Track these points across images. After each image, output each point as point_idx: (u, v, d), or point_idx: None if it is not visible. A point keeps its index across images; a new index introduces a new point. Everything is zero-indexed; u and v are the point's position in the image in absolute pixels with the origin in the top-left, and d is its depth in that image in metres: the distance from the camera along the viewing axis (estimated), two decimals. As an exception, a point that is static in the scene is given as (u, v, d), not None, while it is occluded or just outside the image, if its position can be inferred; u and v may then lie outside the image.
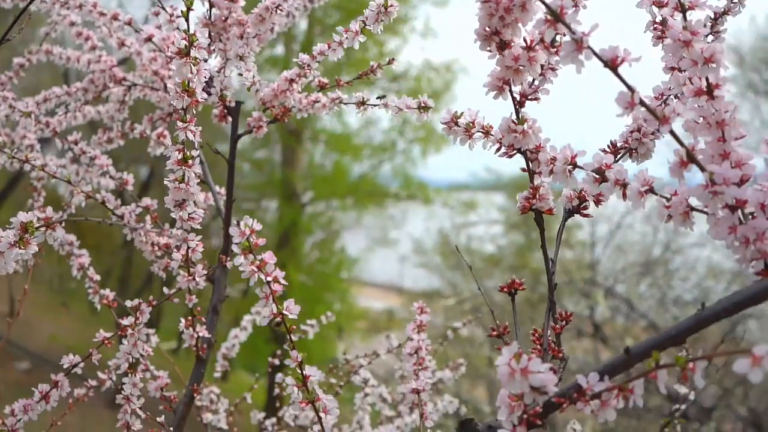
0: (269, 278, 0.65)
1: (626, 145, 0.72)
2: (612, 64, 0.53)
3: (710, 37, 0.75)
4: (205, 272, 0.94)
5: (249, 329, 1.54)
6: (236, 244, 0.64)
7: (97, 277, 1.13)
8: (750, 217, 0.54)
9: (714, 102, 0.56)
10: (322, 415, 0.67)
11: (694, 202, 0.58)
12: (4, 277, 1.23)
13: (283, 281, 0.66)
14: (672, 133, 0.54)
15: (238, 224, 0.64)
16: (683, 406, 1.16)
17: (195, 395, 1.03)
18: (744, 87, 9.28)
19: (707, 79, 0.56)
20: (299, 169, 11.74)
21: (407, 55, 12.05)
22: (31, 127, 1.17)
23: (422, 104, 0.88)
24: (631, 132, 0.72)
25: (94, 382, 1.17)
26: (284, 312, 0.66)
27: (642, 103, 0.53)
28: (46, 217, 0.67)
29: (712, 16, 0.75)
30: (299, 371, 0.68)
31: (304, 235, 11.66)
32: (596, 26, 0.55)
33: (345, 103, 1.00)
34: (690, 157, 0.54)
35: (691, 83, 0.58)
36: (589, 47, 0.53)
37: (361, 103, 0.98)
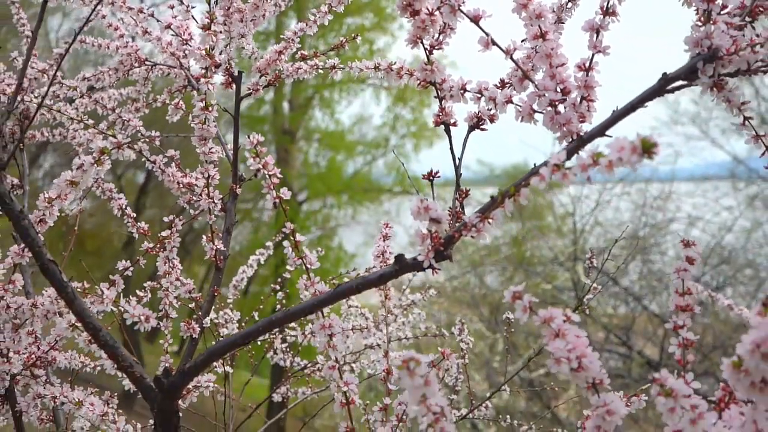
0: (270, 173, 0.98)
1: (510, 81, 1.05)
2: (475, 19, 0.86)
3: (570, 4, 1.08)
4: (222, 196, 1.27)
5: (255, 267, 1.88)
6: (247, 150, 0.97)
7: (134, 215, 1.45)
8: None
9: (545, 42, 0.89)
10: (308, 265, 1.00)
11: (535, 107, 0.91)
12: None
13: (279, 175, 0.99)
14: (513, 60, 0.87)
15: (249, 136, 0.97)
16: (591, 296, 1.48)
17: (215, 295, 1.35)
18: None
19: (540, 27, 0.89)
20: (294, 168, 12.06)
21: (397, 51, 12.37)
22: (78, 98, 1.50)
23: (377, 65, 1.21)
24: (514, 71, 1.05)
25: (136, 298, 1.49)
26: (281, 195, 0.99)
27: (492, 42, 0.86)
28: (117, 141, 1.00)
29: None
30: (293, 238, 1.01)
31: (301, 232, 11.98)
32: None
33: (321, 69, 1.33)
34: (524, 75, 0.87)
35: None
36: (460, 9, 0.85)
37: (333, 68, 1.31)
